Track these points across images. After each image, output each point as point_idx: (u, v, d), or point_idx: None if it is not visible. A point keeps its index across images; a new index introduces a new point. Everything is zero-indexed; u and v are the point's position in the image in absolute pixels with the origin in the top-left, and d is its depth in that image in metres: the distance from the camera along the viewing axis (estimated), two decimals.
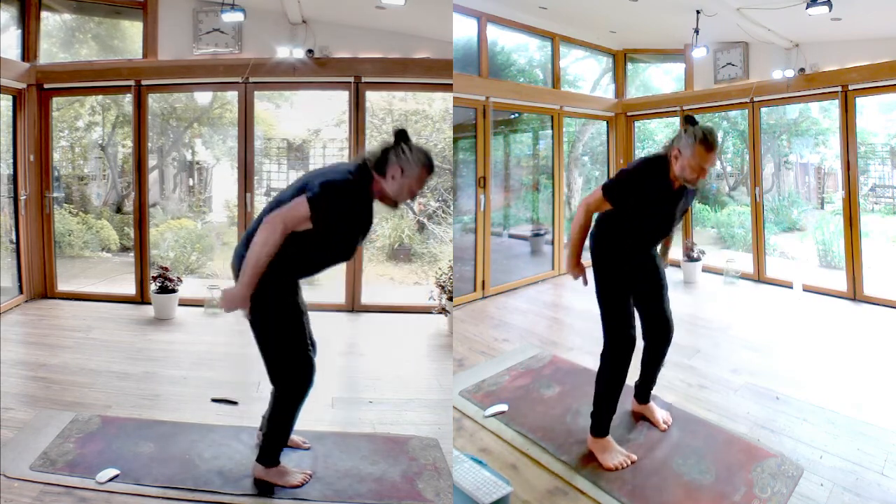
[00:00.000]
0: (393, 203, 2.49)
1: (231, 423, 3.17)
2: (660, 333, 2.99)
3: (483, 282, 5.78)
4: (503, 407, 3.29)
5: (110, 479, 2.57)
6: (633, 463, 2.72)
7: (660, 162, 2.67)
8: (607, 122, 7.59)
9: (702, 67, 6.75)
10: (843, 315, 5.24)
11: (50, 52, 6.08)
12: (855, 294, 5.56)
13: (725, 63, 6.56)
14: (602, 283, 2.79)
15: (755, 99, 6.35)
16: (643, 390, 3.13)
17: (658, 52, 7.60)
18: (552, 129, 6.82)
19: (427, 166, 2.48)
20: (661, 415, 3.10)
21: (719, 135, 8.46)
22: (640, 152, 8.23)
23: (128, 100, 6.08)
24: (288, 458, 2.77)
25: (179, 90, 6.39)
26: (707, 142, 2.54)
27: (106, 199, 7.33)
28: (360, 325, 5.29)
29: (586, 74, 7.83)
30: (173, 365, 4.04)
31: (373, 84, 5.57)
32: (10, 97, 5.30)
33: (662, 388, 3.55)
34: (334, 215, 2.35)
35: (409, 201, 2.38)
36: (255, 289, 2.34)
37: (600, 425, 2.82)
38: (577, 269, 2.85)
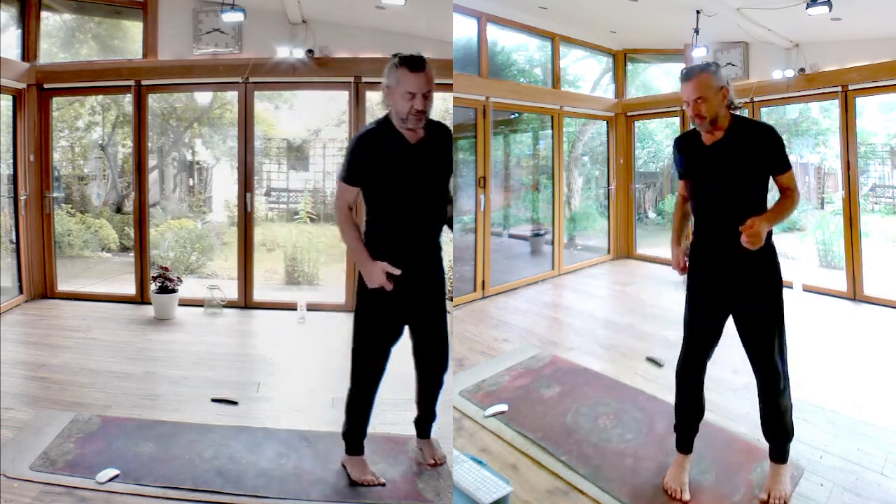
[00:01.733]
0: (412, 119, 2.53)
1: (231, 423, 3.17)
2: (761, 379, 2.56)
3: (483, 282, 5.77)
4: (503, 407, 3.29)
5: (110, 479, 2.57)
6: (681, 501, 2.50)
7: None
8: (607, 122, 7.59)
9: None
10: (843, 315, 5.23)
11: (50, 52, 6.08)
12: (855, 294, 5.55)
13: (725, 63, 6.54)
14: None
15: (755, 99, 6.35)
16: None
17: (658, 52, 7.60)
18: (552, 129, 6.82)
19: (401, 64, 2.52)
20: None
21: None
22: (640, 152, 8.23)
23: (128, 100, 6.08)
24: (286, 458, 2.77)
25: (179, 90, 6.39)
26: (685, 74, 2.45)
27: (106, 199, 7.33)
28: None
29: (586, 74, 7.83)
30: (173, 365, 4.04)
31: (373, 84, 5.56)
32: (10, 97, 5.29)
33: (664, 388, 3.55)
34: (364, 168, 2.53)
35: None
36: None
37: (678, 439, 2.66)
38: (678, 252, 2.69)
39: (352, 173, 2.54)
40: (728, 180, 2.44)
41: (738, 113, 2.49)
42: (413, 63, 2.50)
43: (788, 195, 2.47)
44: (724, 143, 2.46)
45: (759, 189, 2.46)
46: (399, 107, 2.51)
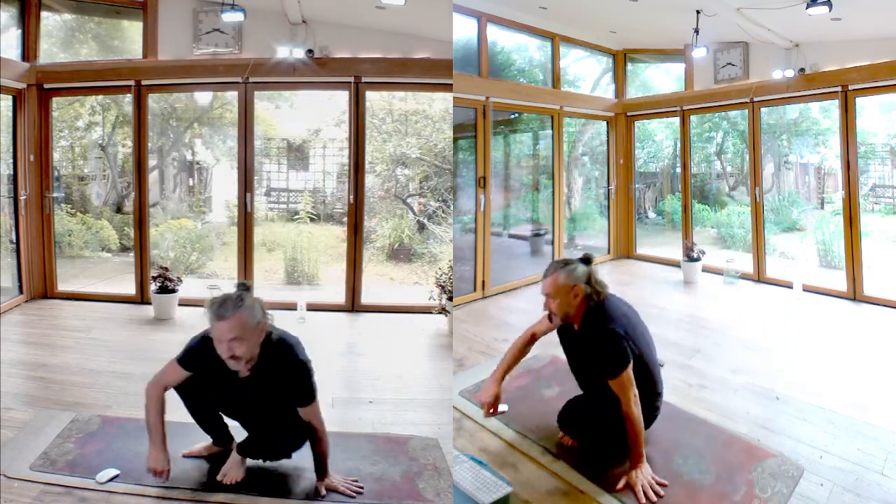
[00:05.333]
0: (230, 362, 2.50)
1: (230, 423, 3.16)
2: None
3: (483, 282, 5.78)
4: (503, 407, 3.28)
5: (110, 479, 2.57)
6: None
7: None
8: (607, 122, 7.60)
9: (702, 67, 6.75)
10: (843, 315, 5.23)
11: (50, 52, 6.08)
12: (855, 294, 5.55)
13: (725, 63, 6.55)
14: None
15: (755, 99, 6.35)
16: None
17: (658, 52, 7.60)
18: (552, 129, 6.82)
19: (210, 309, 2.49)
20: None
21: (719, 135, 8.52)
22: (640, 152, 8.24)
23: (128, 100, 6.08)
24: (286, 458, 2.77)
25: (179, 90, 6.39)
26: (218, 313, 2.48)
27: (106, 199, 7.33)
28: (360, 325, 5.29)
29: (586, 74, 7.83)
30: None
31: (373, 84, 5.56)
32: (10, 97, 5.30)
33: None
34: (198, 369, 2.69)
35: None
36: None
37: None
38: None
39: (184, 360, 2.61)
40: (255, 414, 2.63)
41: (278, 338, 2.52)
42: (218, 310, 2.44)
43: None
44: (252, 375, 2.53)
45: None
46: (218, 348, 2.46)
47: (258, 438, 2.69)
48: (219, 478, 2.60)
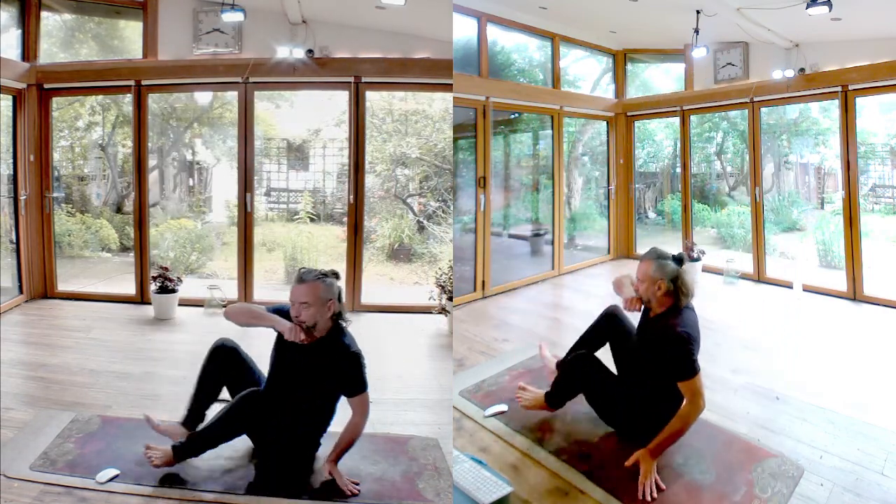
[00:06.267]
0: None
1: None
2: None
3: (483, 282, 5.77)
4: (503, 407, 3.28)
5: (110, 479, 2.58)
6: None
7: None
8: (607, 122, 7.59)
9: (702, 67, 6.75)
10: (843, 315, 5.24)
11: (50, 52, 6.08)
12: (855, 294, 5.56)
13: (725, 63, 6.55)
14: None
15: (755, 99, 6.35)
16: None
17: (658, 52, 7.60)
18: (552, 129, 6.82)
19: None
20: None
21: (719, 135, 8.52)
22: (640, 152, 8.23)
23: (128, 100, 6.08)
24: None
25: (179, 90, 6.39)
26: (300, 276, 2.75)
27: (106, 199, 7.33)
28: (360, 325, 5.28)
29: (586, 74, 7.83)
30: (173, 365, 4.03)
31: (373, 84, 5.57)
32: (10, 97, 5.30)
33: None
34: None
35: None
36: None
37: None
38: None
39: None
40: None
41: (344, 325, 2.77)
42: (300, 275, 2.73)
43: None
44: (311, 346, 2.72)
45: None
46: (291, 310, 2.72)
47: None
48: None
